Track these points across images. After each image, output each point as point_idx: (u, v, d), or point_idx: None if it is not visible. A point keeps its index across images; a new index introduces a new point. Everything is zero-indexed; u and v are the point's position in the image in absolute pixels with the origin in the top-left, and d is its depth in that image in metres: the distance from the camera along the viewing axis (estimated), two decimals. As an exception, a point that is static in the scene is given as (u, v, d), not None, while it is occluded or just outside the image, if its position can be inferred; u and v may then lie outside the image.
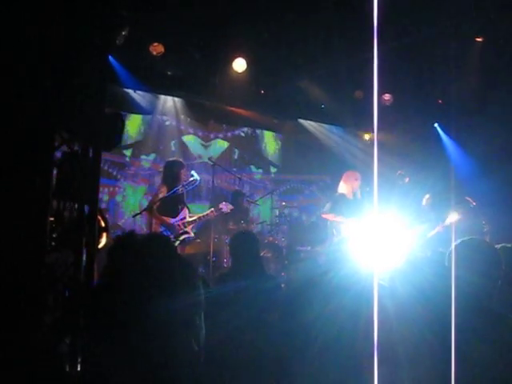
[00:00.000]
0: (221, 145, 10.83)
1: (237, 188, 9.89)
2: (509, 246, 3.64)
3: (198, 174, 7.47)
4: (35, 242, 3.44)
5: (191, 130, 10.38)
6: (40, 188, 3.63)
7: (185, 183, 7.39)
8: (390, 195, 7.09)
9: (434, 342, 2.62)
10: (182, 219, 7.37)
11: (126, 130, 8.37)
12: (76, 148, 3.98)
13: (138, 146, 9.75)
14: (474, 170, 9.55)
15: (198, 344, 1.58)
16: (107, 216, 7.15)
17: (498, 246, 3.40)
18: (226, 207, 7.71)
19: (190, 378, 1.54)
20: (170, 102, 9.85)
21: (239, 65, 8.58)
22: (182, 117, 10.10)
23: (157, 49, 7.94)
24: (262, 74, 9.09)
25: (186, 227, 7.36)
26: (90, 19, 3.96)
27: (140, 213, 7.63)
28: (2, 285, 2.26)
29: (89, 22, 3.96)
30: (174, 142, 10.18)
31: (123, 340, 1.48)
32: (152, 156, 9.97)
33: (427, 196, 8.27)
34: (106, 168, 9.02)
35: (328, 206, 8.07)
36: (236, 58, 8.53)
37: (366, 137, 11.39)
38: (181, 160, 7.69)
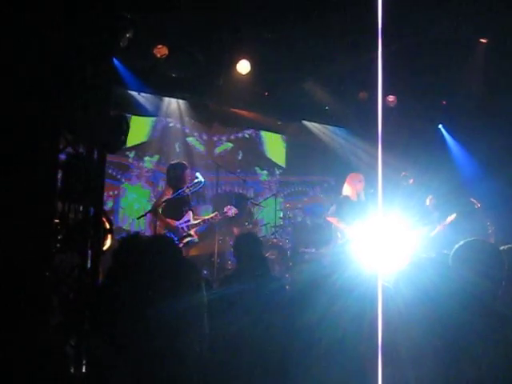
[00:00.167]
0: (225, 147, 10.84)
1: (241, 190, 9.90)
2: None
3: (202, 175, 7.48)
4: (40, 243, 3.46)
5: (195, 132, 10.38)
6: (45, 190, 3.64)
7: (189, 185, 7.39)
8: (394, 197, 7.09)
9: (437, 343, 2.62)
10: (186, 222, 7.38)
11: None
12: (81, 150, 4.00)
13: (141, 148, 9.76)
14: (478, 172, 9.53)
15: (201, 345, 1.59)
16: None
17: (504, 248, 3.40)
18: (230, 211, 7.72)
19: (192, 379, 1.55)
20: (174, 104, 9.86)
21: (243, 67, 8.59)
22: (186, 119, 10.10)
23: (161, 51, 7.96)
24: (266, 76, 9.10)
25: (190, 230, 7.36)
26: (94, 22, 3.98)
27: (144, 215, 7.63)
28: (7, 286, 2.27)
29: (93, 24, 3.98)
30: (178, 143, 10.19)
31: (127, 341, 1.48)
32: (156, 158, 9.98)
33: (430, 197, 8.26)
34: (109, 171, 9.02)
35: (332, 208, 8.07)
36: (240, 59, 8.54)
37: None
38: (184, 162, 7.68)
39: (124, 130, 4.24)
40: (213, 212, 8.04)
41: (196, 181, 7.38)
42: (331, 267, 3.66)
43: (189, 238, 7.37)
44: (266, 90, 9.61)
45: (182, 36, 7.98)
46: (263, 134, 11.34)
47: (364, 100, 9.59)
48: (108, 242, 4.15)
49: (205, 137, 10.56)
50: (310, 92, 9.81)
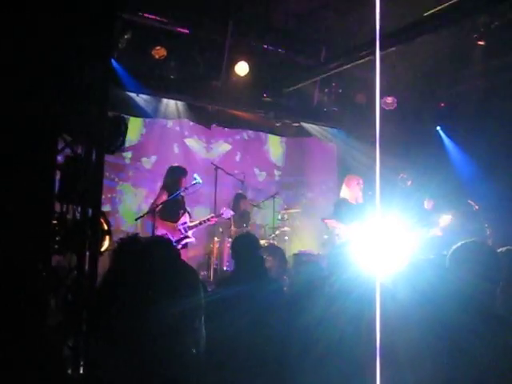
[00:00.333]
0: (223, 148, 10.83)
1: (239, 191, 9.90)
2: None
3: (200, 177, 7.49)
4: (38, 244, 3.45)
5: (194, 134, 10.38)
6: (43, 191, 3.64)
7: (187, 186, 7.41)
8: (392, 198, 7.09)
9: (435, 344, 2.62)
10: (183, 224, 7.39)
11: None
12: (79, 151, 4.00)
13: (138, 149, 9.74)
14: (476, 173, 9.53)
15: (197, 347, 1.58)
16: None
17: (502, 249, 3.40)
18: (226, 213, 7.74)
19: (190, 381, 1.55)
20: (172, 106, 9.85)
21: (241, 68, 8.58)
22: (185, 120, 10.10)
23: (159, 52, 7.96)
24: (265, 77, 9.10)
25: (187, 231, 7.38)
26: (92, 23, 3.98)
27: (142, 216, 7.64)
28: (5, 287, 2.27)
29: (92, 25, 3.98)
30: (176, 145, 10.19)
31: (125, 342, 1.48)
32: (153, 159, 9.98)
33: (428, 200, 8.27)
34: (106, 172, 9.00)
35: (330, 210, 8.08)
36: (238, 61, 8.54)
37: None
38: (184, 167, 7.70)
39: (122, 131, 4.24)
40: (210, 213, 8.06)
41: (194, 182, 7.39)
42: (329, 269, 3.66)
43: (187, 240, 7.40)
44: (264, 91, 9.61)
45: (180, 37, 7.99)
46: (262, 135, 11.35)
47: (362, 102, 9.59)
48: (106, 243, 4.15)
49: (203, 138, 10.56)
50: (308, 93, 9.82)
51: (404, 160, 10.26)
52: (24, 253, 3.31)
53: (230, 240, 8.14)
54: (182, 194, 7.41)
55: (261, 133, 11.30)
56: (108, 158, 4.11)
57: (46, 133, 3.67)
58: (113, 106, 4.13)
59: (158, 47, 7.93)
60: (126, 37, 7.32)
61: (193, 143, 10.41)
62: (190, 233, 7.43)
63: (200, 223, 7.59)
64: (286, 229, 9.79)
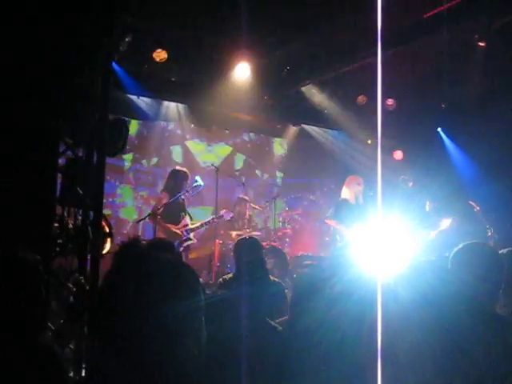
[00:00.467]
0: (224, 150, 10.84)
1: (241, 193, 9.91)
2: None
3: (201, 179, 7.51)
4: (40, 247, 3.46)
5: (194, 136, 10.40)
6: (44, 194, 3.64)
7: (189, 188, 7.43)
8: (393, 200, 7.09)
9: (437, 346, 2.62)
10: (185, 226, 7.41)
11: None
12: (80, 154, 4.00)
13: (138, 151, 9.75)
14: (477, 175, 9.53)
15: (199, 347, 1.58)
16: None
17: (503, 251, 3.40)
18: (226, 215, 7.76)
19: (191, 382, 1.55)
20: (173, 108, 9.87)
21: (242, 70, 8.59)
22: (186, 122, 10.11)
23: (160, 55, 7.97)
24: (266, 80, 9.10)
25: (188, 234, 7.40)
26: (93, 25, 3.99)
27: (143, 219, 7.65)
28: (6, 290, 2.27)
29: (92, 27, 3.99)
30: (177, 147, 10.20)
31: (126, 345, 1.48)
32: (154, 161, 9.98)
33: (429, 202, 8.27)
34: (107, 176, 9.00)
35: (331, 211, 8.08)
36: (239, 63, 8.55)
37: (369, 141, 11.40)
38: (185, 170, 7.72)
39: (123, 134, 4.24)
40: (212, 215, 8.08)
41: (195, 184, 7.41)
42: (330, 270, 3.66)
43: (188, 242, 7.42)
44: (265, 93, 9.62)
45: (181, 40, 8.00)
46: (263, 137, 11.36)
47: (363, 103, 9.60)
48: (107, 246, 4.15)
49: (204, 140, 10.57)
50: (309, 95, 9.83)
51: (405, 161, 10.28)
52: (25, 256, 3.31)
53: (231, 242, 8.14)
54: (183, 196, 7.42)
55: (262, 135, 11.31)
56: (108, 160, 4.11)
57: (47, 135, 3.67)
58: (114, 109, 4.14)
59: (159, 50, 7.94)
60: (126, 39, 7.33)
61: (193, 145, 10.42)
62: (191, 235, 7.44)
63: (201, 225, 7.61)
64: (287, 231, 9.79)
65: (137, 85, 8.50)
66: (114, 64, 7.07)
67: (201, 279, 1.75)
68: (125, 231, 9.47)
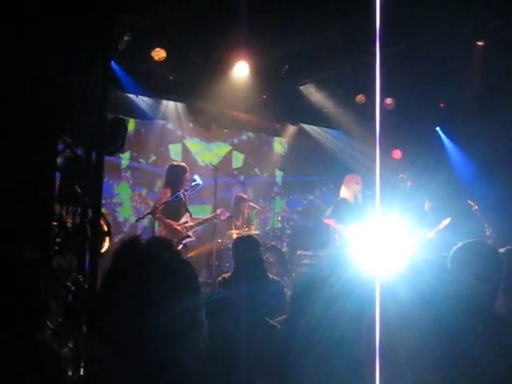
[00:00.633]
0: (223, 149, 10.84)
1: (239, 192, 9.91)
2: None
3: (200, 178, 7.50)
4: (39, 246, 3.46)
5: (193, 135, 10.39)
6: (43, 192, 3.64)
7: (187, 187, 7.42)
8: (392, 199, 7.10)
9: (435, 345, 2.62)
10: (184, 223, 7.40)
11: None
12: (79, 153, 4.00)
13: (136, 149, 9.73)
14: (476, 174, 9.54)
15: (200, 346, 1.58)
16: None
17: (502, 250, 3.41)
18: (223, 214, 7.77)
19: (191, 381, 1.55)
20: (172, 107, 9.87)
21: (241, 69, 8.59)
22: (184, 121, 10.11)
23: (159, 54, 7.96)
24: (264, 79, 9.10)
25: (188, 231, 7.40)
26: (92, 24, 3.99)
27: (143, 217, 7.65)
28: (5, 289, 2.27)
29: (91, 26, 3.99)
30: (175, 146, 10.19)
31: (126, 343, 1.48)
32: (152, 159, 9.96)
33: (427, 202, 8.28)
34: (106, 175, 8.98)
35: (329, 210, 8.08)
36: (238, 62, 8.55)
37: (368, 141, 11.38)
38: (184, 164, 7.72)
39: (122, 132, 4.24)
40: (218, 209, 8.10)
41: (194, 183, 7.40)
42: (329, 269, 3.66)
43: (188, 239, 7.42)
44: (263, 92, 9.62)
45: (179, 39, 7.99)
46: (262, 136, 11.35)
47: (362, 102, 9.61)
48: (106, 245, 4.15)
49: (203, 139, 10.56)
50: (307, 94, 9.83)
51: (404, 160, 10.28)
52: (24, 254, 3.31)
53: (230, 241, 8.14)
54: (181, 195, 7.41)
55: (261, 134, 11.30)
56: (106, 158, 4.11)
57: (46, 134, 3.67)
58: (112, 108, 4.14)
59: (158, 49, 7.93)
60: (125, 38, 7.32)
61: (192, 144, 10.41)
62: (190, 233, 7.45)
63: (199, 223, 7.63)
64: (286, 230, 9.79)
65: (135, 84, 8.50)
66: (112, 63, 7.07)
67: (200, 278, 1.75)
68: (125, 229, 9.47)
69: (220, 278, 4.83)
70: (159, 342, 1.48)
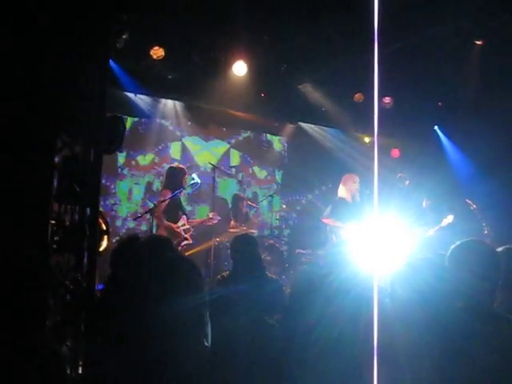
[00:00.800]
0: (222, 148, 10.82)
1: (238, 191, 9.91)
2: (512, 247, 3.64)
3: (198, 177, 7.51)
4: (37, 245, 3.45)
5: (192, 133, 10.38)
6: (41, 191, 3.64)
7: (186, 186, 7.43)
8: (390, 198, 7.11)
9: (433, 343, 2.62)
10: (183, 226, 7.41)
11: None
12: (77, 151, 4.00)
13: (134, 148, 9.71)
14: (474, 173, 9.56)
15: (202, 345, 1.59)
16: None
17: (501, 248, 3.41)
18: (214, 218, 7.79)
19: (190, 380, 1.56)
20: (170, 106, 9.87)
21: (239, 68, 8.59)
22: (183, 120, 10.10)
23: (157, 52, 7.96)
24: (263, 78, 9.10)
25: (185, 233, 7.41)
26: (91, 23, 3.98)
27: (140, 216, 7.65)
28: (4, 288, 2.28)
29: (90, 25, 3.98)
30: (173, 144, 10.18)
31: (125, 341, 1.49)
32: (150, 157, 9.93)
33: (425, 199, 8.29)
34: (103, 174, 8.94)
35: (328, 210, 8.09)
36: (236, 61, 8.55)
37: (367, 140, 11.42)
38: (183, 166, 7.73)
39: (120, 131, 4.24)
40: (209, 213, 8.12)
41: (192, 182, 7.41)
42: (328, 268, 3.67)
43: (185, 242, 7.42)
44: (262, 91, 9.62)
45: (178, 38, 7.99)
46: (261, 135, 11.34)
47: (360, 101, 9.61)
48: (104, 243, 4.15)
49: (201, 138, 10.55)
50: (306, 93, 9.83)
51: (402, 159, 10.29)
52: (22, 253, 3.31)
53: (228, 240, 8.14)
54: (179, 194, 7.42)
55: (260, 132, 11.29)
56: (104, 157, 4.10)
57: (44, 133, 3.67)
58: (111, 106, 4.13)
59: (156, 47, 7.93)
60: (123, 37, 7.31)
61: (190, 143, 10.40)
62: (188, 235, 7.45)
63: (194, 226, 7.68)
64: (284, 228, 9.80)
65: (134, 82, 8.49)
66: (111, 61, 7.07)
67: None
68: (123, 230, 9.46)
69: (219, 276, 4.83)
70: (160, 341, 1.48)
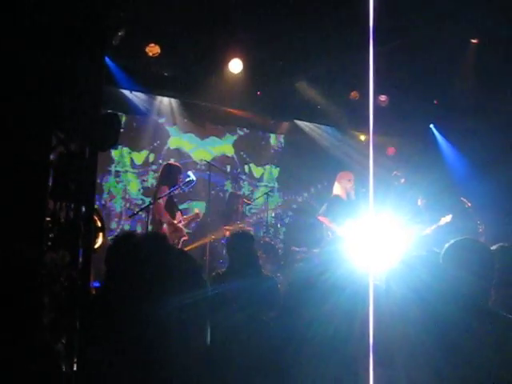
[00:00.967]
0: (217, 145, 10.81)
1: (233, 188, 9.91)
2: (506, 245, 3.66)
3: (194, 174, 7.51)
4: (33, 242, 3.45)
5: (187, 131, 10.36)
6: (36, 188, 3.63)
7: (181, 184, 7.42)
8: (385, 196, 7.12)
9: (429, 341, 2.63)
10: (178, 222, 7.41)
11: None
12: (72, 148, 3.98)
13: (129, 144, 9.68)
14: (469, 171, 9.58)
15: (202, 343, 1.59)
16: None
17: (494, 246, 3.43)
18: (199, 215, 7.84)
19: (188, 378, 1.56)
20: (166, 103, 9.85)
21: (235, 66, 8.59)
22: (178, 117, 10.08)
23: (153, 50, 7.95)
24: (258, 75, 9.10)
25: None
26: (85, 19, 3.97)
27: (136, 213, 7.64)
28: (5, 288, 2.27)
29: (85, 21, 3.97)
30: (169, 141, 10.16)
31: (123, 340, 1.49)
32: (144, 153, 9.91)
33: (420, 198, 8.31)
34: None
35: (323, 208, 8.09)
36: (232, 58, 8.54)
37: (362, 138, 11.43)
38: (179, 164, 7.74)
39: (116, 128, 4.23)
40: (206, 210, 8.14)
41: (188, 179, 7.40)
42: (323, 266, 3.67)
43: (183, 238, 7.44)
44: (258, 88, 9.61)
45: (174, 35, 7.98)
46: (257, 132, 11.33)
47: (356, 99, 9.62)
48: (99, 241, 4.14)
49: (197, 135, 10.54)
50: (301, 91, 9.83)
51: (397, 158, 10.32)
52: (17, 251, 3.30)
53: (223, 237, 8.15)
54: (175, 191, 7.43)
55: (256, 130, 11.28)
56: (99, 154, 4.09)
57: (38, 130, 3.66)
58: (106, 104, 4.11)
59: (152, 44, 7.92)
60: (119, 34, 7.30)
61: (186, 140, 10.38)
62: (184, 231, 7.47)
63: (187, 223, 7.71)
64: (280, 226, 9.80)
65: (130, 79, 8.48)
66: (106, 58, 7.05)
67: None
68: (113, 226, 9.44)
69: (214, 273, 4.84)
70: (158, 339, 1.48)
